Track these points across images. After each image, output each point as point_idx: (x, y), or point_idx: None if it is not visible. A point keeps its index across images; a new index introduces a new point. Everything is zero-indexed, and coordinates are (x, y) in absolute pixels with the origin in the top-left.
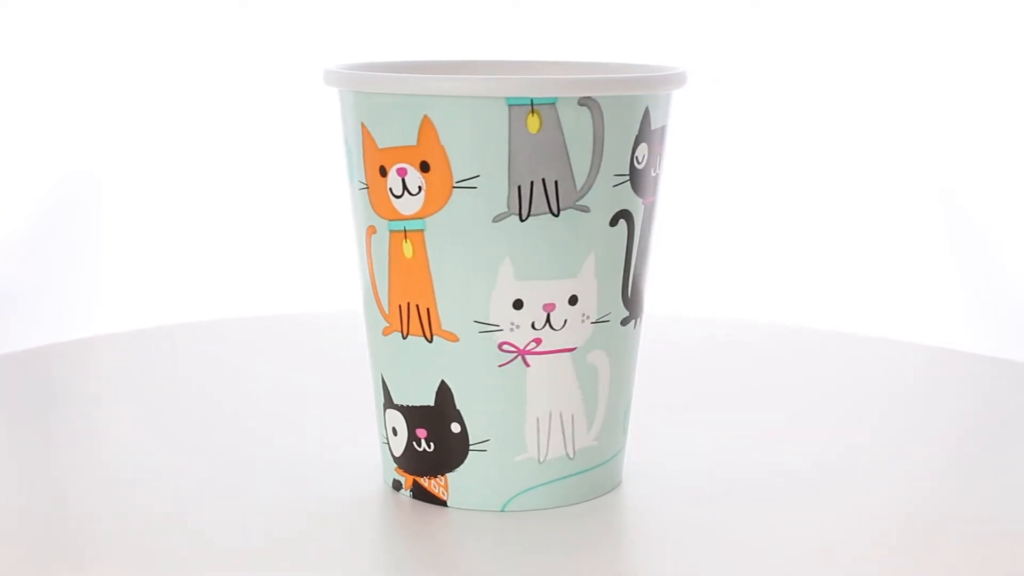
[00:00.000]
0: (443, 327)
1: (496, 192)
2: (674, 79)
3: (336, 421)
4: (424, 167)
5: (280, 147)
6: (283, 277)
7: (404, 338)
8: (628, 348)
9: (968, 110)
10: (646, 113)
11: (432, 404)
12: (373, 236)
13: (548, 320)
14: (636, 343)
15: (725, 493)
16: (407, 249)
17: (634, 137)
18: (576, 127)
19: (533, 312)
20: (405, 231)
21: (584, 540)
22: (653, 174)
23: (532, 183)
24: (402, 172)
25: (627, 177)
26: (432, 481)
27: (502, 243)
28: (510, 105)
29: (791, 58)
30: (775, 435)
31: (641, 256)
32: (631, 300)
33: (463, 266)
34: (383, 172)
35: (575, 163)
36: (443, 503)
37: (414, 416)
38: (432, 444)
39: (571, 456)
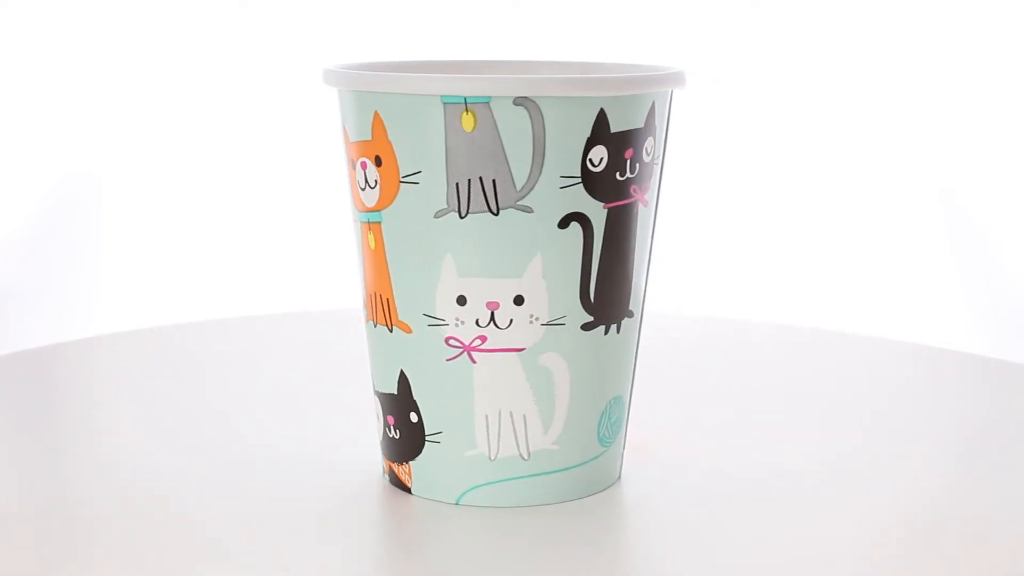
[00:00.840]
0: (399, 318)
1: (436, 189)
2: (627, 82)
3: (337, 421)
4: (378, 162)
5: (279, 147)
6: (283, 276)
7: (375, 327)
8: (596, 354)
9: (968, 110)
10: (602, 115)
11: (396, 393)
12: (355, 227)
13: (492, 318)
14: (615, 349)
15: (725, 491)
16: (371, 240)
17: (585, 139)
18: (513, 127)
19: (476, 309)
20: (369, 223)
21: (584, 537)
22: (621, 178)
23: (470, 181)
24: (364, 166)
25: (578, 179)
26: (400, 468)
27: (444, 239)
28: (445, 103)
29: (791, 58)
30: (775, 434)
31: (614, 260)
32: (597, 305)
33: (411, 259)
34: (353, 165)
35: (514, 163)
36: (408, 490)
37: (385, 403)
38: (398, 432)
39: (525, 457)
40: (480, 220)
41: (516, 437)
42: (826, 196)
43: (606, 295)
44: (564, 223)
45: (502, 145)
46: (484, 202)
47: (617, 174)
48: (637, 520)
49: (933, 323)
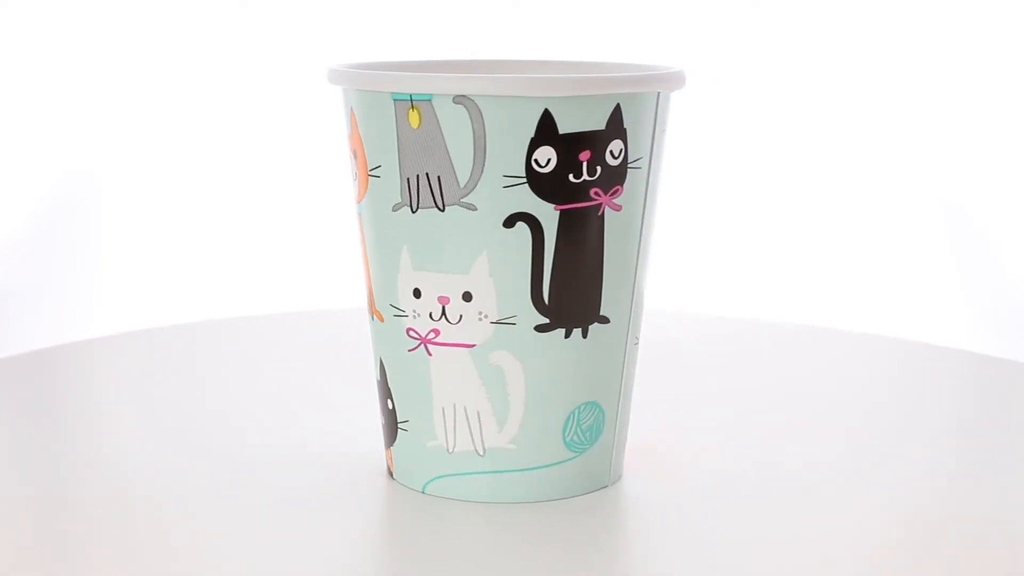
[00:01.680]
0: (376, 307)
1: (392, 183)
2: (569, 83)
3: (337, 420)
4: (355, 156)
5: (278, 146)
6: (283, 276)
7: (369, 315)
8: (556, 357)
9: (969, 109)
10: (547, 116)
11: (379, 379)
12: None
13: (444, 313)
14: (582, 354)
15: (725, 489)
16: (360, 231)
17: (529, 139)
18: (453, 125)
19: (430, 303)
20: (359, 214)
21: (584, 536)
22: (576, 180)
23: (419, 177)
24: (351, 159)
25: (523, 179)
26: (387, 453)
27: (401, 232)
28: (395, 100)
29: (791, 58)
30: (776, 433)
31: (573, 264)
32: (553, 307)
33: (378, 251)
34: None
35: (457, 160)
36: (392, 475)
37: (377, 388)
38: (384, 417)
39: (481, 453)
40: (429, 215)
41: (471, 432)
42: (826, 196)
43: (564, 298)
44: (510, 222)
45: (444, 142)
46: (431, 198)
47: (571, 176)
48: (636, 519)
49: (933, 323)
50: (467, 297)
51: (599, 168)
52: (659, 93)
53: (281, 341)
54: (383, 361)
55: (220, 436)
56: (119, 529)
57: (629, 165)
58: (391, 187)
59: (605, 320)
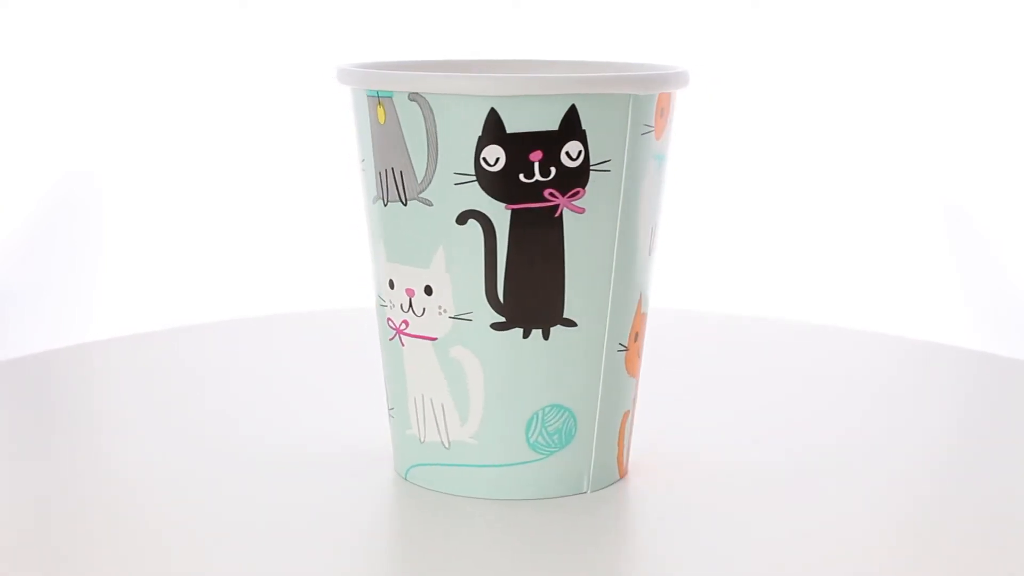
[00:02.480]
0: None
1: (370, 176)
2: (513, 83)
3: (338, 421)
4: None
5: (278, 146)
6: (284, 276)
7: None
8: (515, 357)
9: (969, 109)
10: (493, 115)
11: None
12: None
13: (411, 305)
14: (544, 356)
15: (727, 488)
16: None
17: (477, 137)
18: (410, 122)
19: (400, 294)
20: None
21: (584, 535)
22: (527, 180)
23: (387, 171)
24: None
25: (472, 177)
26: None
27: (376, 224)
28: (368, 96)
29: (791, 58)
30: (777, 431)
31: (529, 264)
32: (509, 306)
33: (368, 242)
34: None
35: (414, 156)
36: None
37: None
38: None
39: (446, 446)
40: (397, 209)
41: (437, 424)
42: (827, 195)
43: (521, 298)
44: (462, 219)
45: (404, 139)
46: (396, 192)
47: (521, 176)
48: (638, 517)
49: (933, 322)
50: (428, 291)
51: (553, 169)
52: (632, 95)
53: (281, 342)
54: (381, 348)
55: (220, 437)
56: (120, 530)
57: (593, 167)
58: (370, 180)
59: (571, 323)
